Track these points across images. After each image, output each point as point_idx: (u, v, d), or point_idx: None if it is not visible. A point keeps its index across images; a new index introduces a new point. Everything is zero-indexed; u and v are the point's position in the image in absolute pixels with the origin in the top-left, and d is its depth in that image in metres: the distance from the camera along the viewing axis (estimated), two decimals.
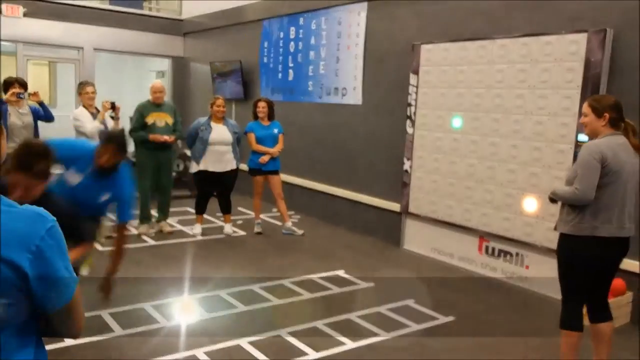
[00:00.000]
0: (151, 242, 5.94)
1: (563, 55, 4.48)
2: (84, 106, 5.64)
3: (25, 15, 8.94)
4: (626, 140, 3.01)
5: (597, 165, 2.91)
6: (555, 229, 3.17)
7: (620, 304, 4.07)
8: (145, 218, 6.21)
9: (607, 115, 3.00)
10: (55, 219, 1.24)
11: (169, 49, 10.86)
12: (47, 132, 7.91)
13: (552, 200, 3.16)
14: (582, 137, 3.18)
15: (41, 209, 1.24)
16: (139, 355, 3.35)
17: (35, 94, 5.85)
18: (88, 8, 9.86)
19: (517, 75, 4.81)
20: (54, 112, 6.11)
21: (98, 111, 5.69)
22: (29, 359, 1.25)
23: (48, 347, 1.39)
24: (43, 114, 5.88)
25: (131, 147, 7.65)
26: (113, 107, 5.68)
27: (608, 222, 2.96)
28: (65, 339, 3.21)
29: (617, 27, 4.23)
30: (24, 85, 5.55)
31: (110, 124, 5.77)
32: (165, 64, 11.40)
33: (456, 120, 5.35)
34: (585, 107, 3.09)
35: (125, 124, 6.39)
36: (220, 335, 3.67)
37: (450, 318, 4.15)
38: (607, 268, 3.11)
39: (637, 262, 4.11)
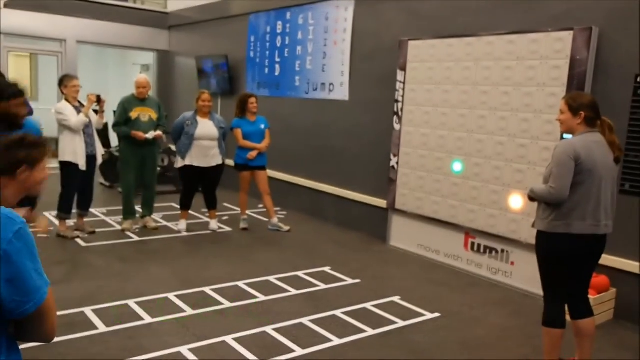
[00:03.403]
0: (135, 238, 5.87)
1: (549, 53, 4.50)
2: (66, 100, 5.54)
3: (6, 6, 8.78)
4: (602, 139, 3.03)
5: (571, 163, 2.92)
6: (533, 226, 3.19)
7: (604, 300, 4.11)
8: (129, 214, 6.14)
9: (582, 113, 3.01)
10: (24, 221, 1.20)
11: (153, 43, 10.75)
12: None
13: (531, 198, 3.17)
14: (567, 135, 3.19)
15: (9, 211, 1.20)
16: (123, 353, 3.31)
17: None
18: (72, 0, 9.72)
19: (503, 73, 4.82)
20: (35, 105, 6.01)
21: (81, 105, 5.60)
22: None
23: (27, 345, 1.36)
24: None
25: (115, 142, 7.59)
26: (99, 100, 5.59)
27: (582, 220, 2.97)
28: None
29: (602, 26, 4.25)
30: (2, 76, 5.45)
31: (94, 117, 5.69)
32: (150, 58, 11.28)
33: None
34: (562, 105, 3.11)
35: (109, 118, 6.31)
36: (206, 331, 3.65)
37: (436, 315, 4.16)
38: (584, 265, 3.12)
39: (621, 259, 4.16)
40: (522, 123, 4.70)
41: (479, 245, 5.17)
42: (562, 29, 4.41)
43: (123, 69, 12.99)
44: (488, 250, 5.08)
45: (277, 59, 7.78)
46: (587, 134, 3.01)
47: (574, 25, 4.35)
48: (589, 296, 3.29)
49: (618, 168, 3.11)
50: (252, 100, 6.26)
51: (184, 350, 3.38)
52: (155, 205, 6.45)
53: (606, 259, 4.03)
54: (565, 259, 3.06)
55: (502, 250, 4.96)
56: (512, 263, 4.89)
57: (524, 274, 4.71)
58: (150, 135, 5.89)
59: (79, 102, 5.63)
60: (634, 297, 4.13)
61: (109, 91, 10.38)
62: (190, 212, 6.46)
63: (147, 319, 3.80)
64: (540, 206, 3.12)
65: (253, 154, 6.19)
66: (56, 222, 5.89)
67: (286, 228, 6.47)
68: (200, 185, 6.30)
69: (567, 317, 3.18)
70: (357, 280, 4.85)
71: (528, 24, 4.72)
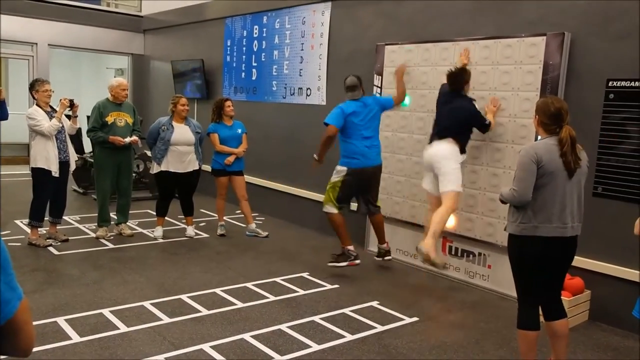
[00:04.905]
0: (110, 245, 5.76)
1: (523, 58, 4.56)
2: (38, 105, 5.42)
3: None
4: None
5: (532, 166, 2.96)
6: (505, 229, 3.23)
7: (578, 302, 4.17)
8: (104, 221, 6.02)
9: (537, 117, 3.11)
10: None
11: (128, 46, 10.61)
12: None
13: (502, 201, 3.21)
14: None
15: None
16: None
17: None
18: (43, 2, 9.52)
19: (479, 78, 4.87)
20: None
21: (53, 110, 5.48)
22: None
23: None
24: None
25: (89, 147, 7.45)
26: (72, 105, 5.48)
27: (548, 222, 2.99)
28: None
29: (575, 31, 4.33)
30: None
31: (67, 123, 5.57)
32: (124, 62, 11.13)
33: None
34: None
35: (83, 123, 6.19)
36: (183, 340, 3.59)
37: (415, 319, 4.17)
38: (556, 267, 3.14)
39: (595, 261, 4.23)
40: (497, 127, 4.75)
41: (456, 249, 5.20)
42: (535, 35, 4.48)
43: (96, 73, 12.81)
44: (465, 254, 5.12)
45: (254, 64, 7.75)
46: (550, 137, 3.05)
47: (547, 31, 4.41)
48: (564, 298, 3.32)
49: (585, 170, 3.13)
50: (229, 103, 6.21)
51: (160, 359, 3.32)
52: (131, 211, 6.35)
53: (580, 261, 4.09)
54: (536, 262, 3.08)
55: (479, 254, 5.00)
56: (489, 266, 4.93)
57: (501, 277, 4.75)
58: (128, 140, 5.80)
59: (51, 107, 5.51)
60: (609, 299, 4.19)
61: (82, 96, 10.22)
62: (166, 218, 6.38)
63: (123, 328, 3.72)
64: (509, 209, 3.15)
65: (230, 159, 6.14)
66: (28, 230, 5.76)
67: (264, 234, 6.43)
68: (176, 191, 6.22)
69: (542, 319, 3.21)
70: (336, 286, 4.83)
71: (503, 29, 4.77)
